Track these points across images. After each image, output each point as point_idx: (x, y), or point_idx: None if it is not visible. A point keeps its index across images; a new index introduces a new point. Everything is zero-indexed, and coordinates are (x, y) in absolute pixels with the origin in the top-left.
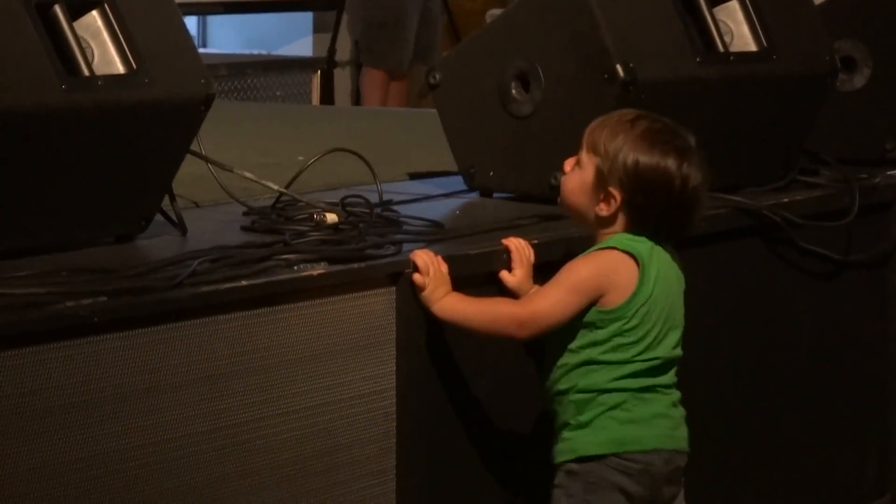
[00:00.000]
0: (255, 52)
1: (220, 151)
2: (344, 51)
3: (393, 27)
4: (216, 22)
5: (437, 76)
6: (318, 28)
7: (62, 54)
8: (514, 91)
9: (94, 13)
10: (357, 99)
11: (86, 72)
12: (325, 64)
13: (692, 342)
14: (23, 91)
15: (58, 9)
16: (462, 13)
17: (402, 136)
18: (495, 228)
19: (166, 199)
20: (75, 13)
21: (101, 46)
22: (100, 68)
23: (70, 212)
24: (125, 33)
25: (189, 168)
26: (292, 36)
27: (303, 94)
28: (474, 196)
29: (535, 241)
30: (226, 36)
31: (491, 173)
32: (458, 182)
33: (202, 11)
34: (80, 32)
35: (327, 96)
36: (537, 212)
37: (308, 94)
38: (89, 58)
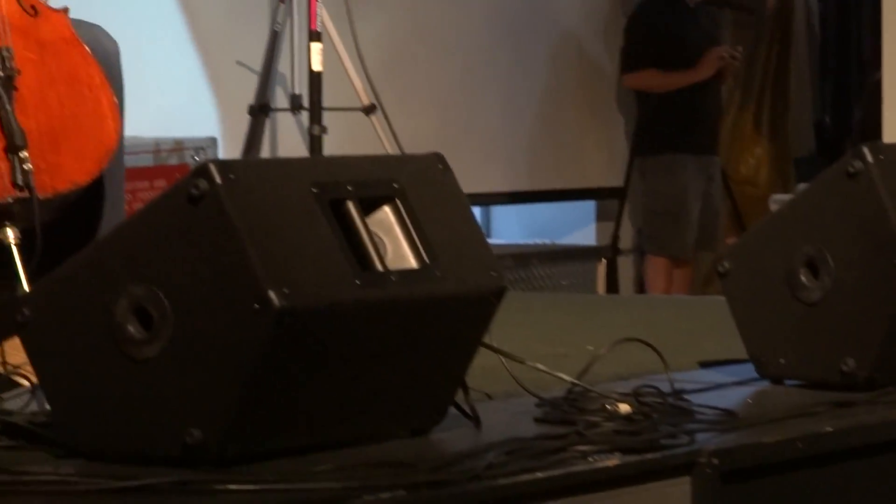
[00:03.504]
0: (539, 241)
1: (508, 342)
2: (626, 238)
3: (676, 214)
4: (499, 212)
5: (726, 265)
6: (600, 216)
7: (356, 250)
8: (802, 277)
9: (386, 208)
10: (641, 286)
11: (379, 267)
12: (610, 252)
13: None
14: (319, 288)
15: (350, 205)
16: (745, 198)
17: (689, 324)
18: (788, 416)
19: (459, 392)
20: (368, 208)
21: (393, 241)
22: (393, 263)
23: (366, 406)
24: (417, 227)
25: (480, 360)
26: (575, 225)
27: (588, 282)
28: (766, 384)
29: (830, 429)
30: (509, 226)
31: (781, 360)
32: (748, 370)
33: (487, 202)
34: (372, 227)
35: (612, 284)
36: (830, 399)
37: (593, 282)
38: (382, 253)
